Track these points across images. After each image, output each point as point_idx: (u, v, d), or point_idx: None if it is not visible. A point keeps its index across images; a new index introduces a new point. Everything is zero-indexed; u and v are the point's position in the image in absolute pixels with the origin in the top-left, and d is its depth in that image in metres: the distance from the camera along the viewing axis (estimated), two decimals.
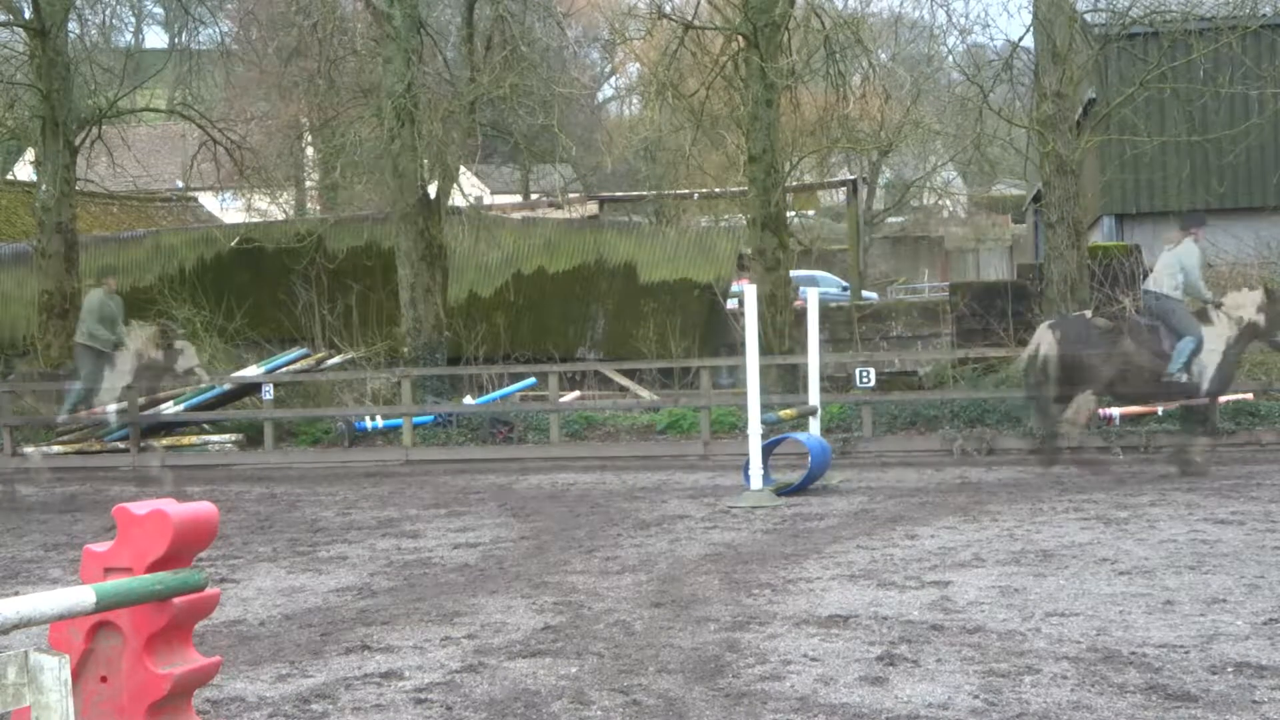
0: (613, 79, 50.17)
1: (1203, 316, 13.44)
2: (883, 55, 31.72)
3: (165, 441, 19.71)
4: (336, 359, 21.18)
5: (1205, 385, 13.35)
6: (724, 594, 8.00)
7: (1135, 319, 13.88)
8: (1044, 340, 13.78)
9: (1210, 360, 13.29)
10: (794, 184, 27.88)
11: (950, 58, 31.54)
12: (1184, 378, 13.21)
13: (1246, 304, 13.44)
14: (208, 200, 36.83)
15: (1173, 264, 13.36)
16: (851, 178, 31.22)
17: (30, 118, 22.85)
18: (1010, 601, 7.46)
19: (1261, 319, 13.32)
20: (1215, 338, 13.31)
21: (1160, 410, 16.99)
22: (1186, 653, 6.19)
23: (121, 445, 19.30)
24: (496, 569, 9.26)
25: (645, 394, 20.41)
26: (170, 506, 4.24)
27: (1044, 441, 14.08)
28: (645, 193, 32.92)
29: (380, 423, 19.36)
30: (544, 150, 30.96)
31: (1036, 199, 30.32)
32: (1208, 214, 22.79)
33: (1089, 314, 14.28)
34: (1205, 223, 14.04)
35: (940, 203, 53.38)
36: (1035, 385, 14.01)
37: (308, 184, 34.91)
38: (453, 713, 5.66)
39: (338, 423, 19.59)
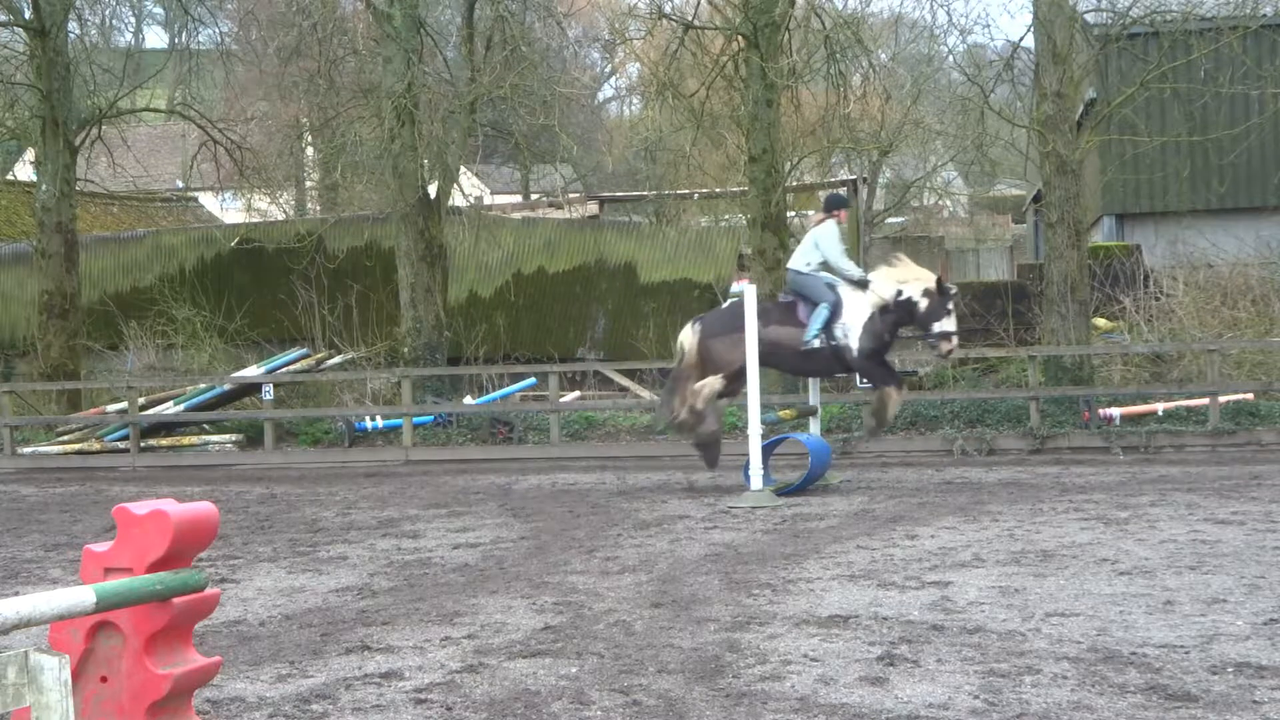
0: (613, 79, 50.17)
1: (857, 285, 13.28)
2: (883, 55, 31.68)
3: (165, 441, 19.73)
4: (336, 359, 21.19)
5: (855, 345, 13.09)
6: (724, 594, 8.00)
7: (768, 303, 14.00)
8: (686, 336, 13.81)
9: (854, 321, 13.10)
10: (794, 184, 27.84)
11: (950, 58, 31.56)
12: (818, 343, 13.06)
13: (910, 280, 13.23)
14: (208, 200, 36.83)
15: (809, 242, 13.44)
16: (851, 178, 31.20)
17: (30, 118, 22.86)
18: (1010, 601, 7.46)
19: (924, 303, 13.10)
20: (858, 302, 13.13)
21: (1160, 410, 17.02)
22: (1187, 653, 6.19)
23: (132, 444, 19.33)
24: (496, 569, 9.26)
25: (645, 394, 20.41)
26: (170, 506, 4.24)
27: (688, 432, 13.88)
28: (645, 193, 32.91)
29: (380, 423, 19.36)
30: (544, 150, 30.98)
31: (1037, 199, 30.32)
32: (1208, 214, 22.94)
33: (725, 304, 14.41)
34: (848, 204, 14.00)
35: (940, 203, 53.35)
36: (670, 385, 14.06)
37: (308, 184, 34.91)
38: (453, 713, 5.66)
39: (338, 423, 19.59)
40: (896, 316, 13.25)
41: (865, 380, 13.98)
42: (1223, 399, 16.57)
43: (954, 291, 13.41)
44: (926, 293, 13.11)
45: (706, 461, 13.80)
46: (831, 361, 13.33)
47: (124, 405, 19.80)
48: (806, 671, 6.08)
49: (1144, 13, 18.91)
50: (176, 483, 16.22)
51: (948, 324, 13.17)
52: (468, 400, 20.06)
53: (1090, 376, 17.70)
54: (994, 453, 16.32)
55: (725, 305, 14.51)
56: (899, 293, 13.11)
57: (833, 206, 13.67)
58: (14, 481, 17.64)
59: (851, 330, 13.08)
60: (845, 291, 13.16)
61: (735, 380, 13.39)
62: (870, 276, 13.32)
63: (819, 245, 13.28)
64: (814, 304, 13.21)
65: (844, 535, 10.22)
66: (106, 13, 31.42)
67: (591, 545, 10.15)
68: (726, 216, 32.75)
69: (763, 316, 13.22)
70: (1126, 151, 21.62)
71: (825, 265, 13.32)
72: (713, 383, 13.38)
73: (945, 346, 13.28)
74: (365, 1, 21.71)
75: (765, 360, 13.35)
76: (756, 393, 12.78)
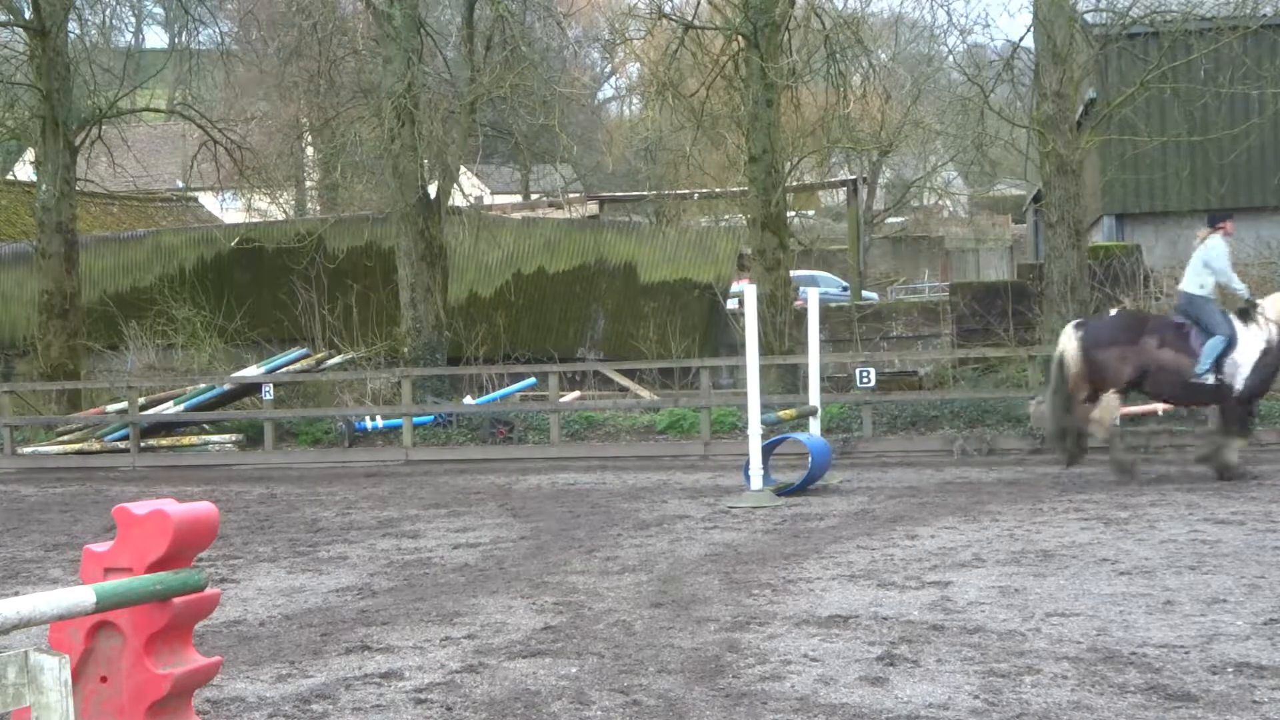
0: (613, 79, 50.19)
1: (1243, 315, 12.80)
2: (883, 55, 31.71)
3: (165, 441, 19.73)
4: (336, 359, 21.19)
5: (1239, 385, 12.62)
6: (724, 594, 8.00)
7: (1162, 318, 13.33)
8: (1067, 341, 13.17)
9: (1245, 359, 12.57)
10: (794, 184, 27.85)
11: (950, 58, 31.57)
12: (1211, 378, 12.55)
13: None
14: (208, 200, 36.85)
15: (1197, 262, 12.87)
16: (851, 178, 31.23)
17: (30, 118, 22.87)
18: (1010, 601, 7.46)
19: None
20: (1252, 337, 12.64)
21: (1160, 410, 17.00)
22: (1186, 653, 6.19)
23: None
24: (496, 569, 9.26)
25: (645, 394, 20.41)
26: (170, 506, 4.24)
27: (1063, 442, 13.25)
28: (645, 193, 32.92)
29: (380, 423, 19.37)
30: (544, 150, 30.99)
31: (1037, 199, 30.32)
32: (1207, 214, 22.90)
33: (1113, 312, 13.78)
34: (1232, 216, 13.38)
35: (940, 203, 53.39)
36: (1055, 388, 13.33)
37: (308, 184, 34.92)
38: (453, 713, 5.66)
39: (338, 423, 19.60)
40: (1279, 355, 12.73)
41: (1224, 419, 12.93)
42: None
43: None
44: None
45: (1065, 458, 13.20)
46: (1212, 396, 12.85)
47: (124, 405, 19.80)
48: (806, 671, 6.08)
49: (1144, 13, 18.91)
50: (176, 483, 16.22)
51: None
52: (468, 400, 20.06)
53: None
54: (994, 453, 16.31)
55: (1112, 314, 13.64)
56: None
57: (1218, 221, 13.08)
58: (14, 481, 17.64)
59: (1241, 369, 12.59)
60: (1239, 325, 12.67)
61: (1124, 394, 13.09)
62: (1260, 303, 12.83)
63: (1209, 264, 12.76)
64: (1208, 333, 12.66)
65: (844, 535, 10.21)
66: (106, 13, 31.36)
67: (591, 545, 10.15)
68: (726, 216, 32.77)
69: (1155, 333, 12.82)
70: (1126, 151, 21.61)
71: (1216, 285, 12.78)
72: (1112, 404, 12.97)
73: None
74: (365, 1, 21.72)
75: (1143, 380, 12.96)
76: (756, 393, 12.78)
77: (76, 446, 19.83)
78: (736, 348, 20.58)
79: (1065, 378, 13.01)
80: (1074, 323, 13.57)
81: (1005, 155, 29.83)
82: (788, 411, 14.33)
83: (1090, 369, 12.86)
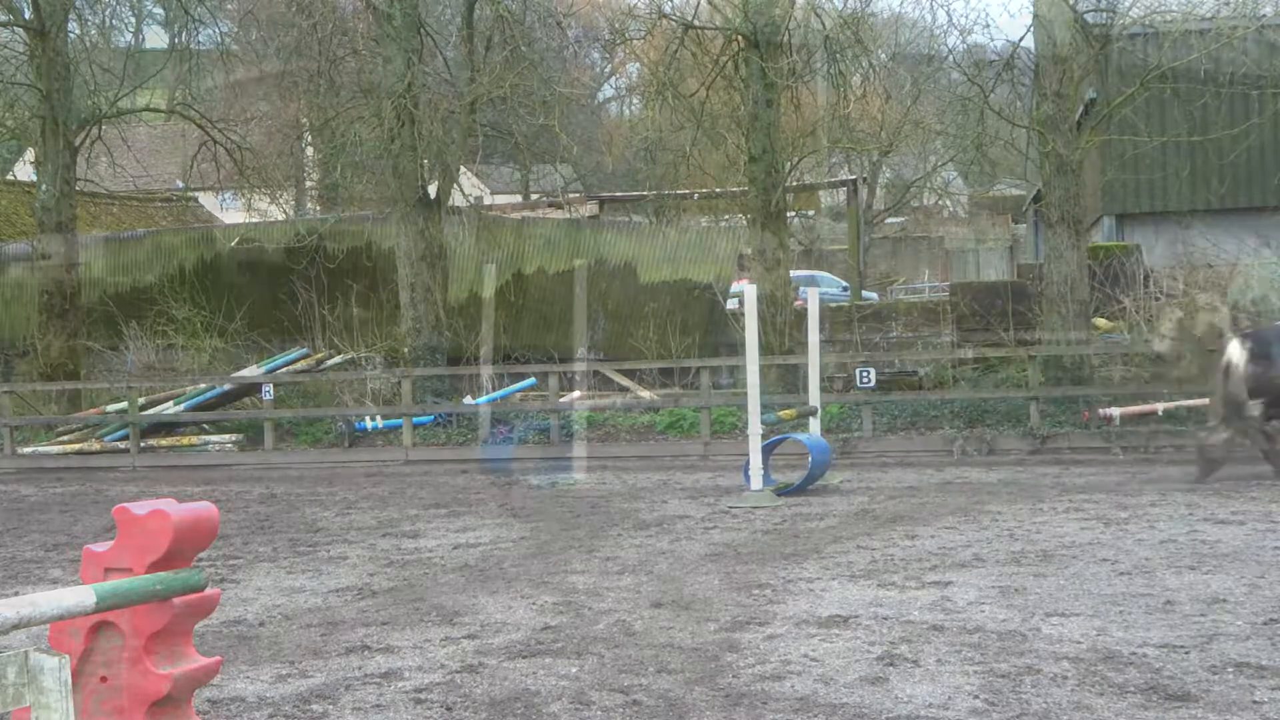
0: (613, 79, 50.17)
1: None
2: (883, 55, 31.68)
3: (165, 441, 19.72)
4: (336, 359, 21.19)
5: None
6: (724, 594, 8.00)
7: None
8: (1234, 353, 12.88)
9: None
10: (794, 184, 27.83)
11: (950, 58, 31.52)
12: None
13: None
14: (208, 200, 36.84)
15: None
16: (851, 178, 31.20)
17: (30, 118, 22.86)
18: (1010, 601, 7.46)
19: None
20: None
21: (1160, 410, 17.00)
22: (1186, 653, 6.19)
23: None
24: (496, 569, 9.26)
25: (645, 394, 20.41)
26: (170, 506, 4.24)
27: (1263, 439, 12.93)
28: (645, 193, 32.89)
29: (380, 423, 19.37)
30: (544, 150, 30.94)
31: (1036, 199, 30.30)
32: (1207, 214, 22.93)
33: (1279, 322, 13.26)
34: None
35: (940, 203, 53.35)
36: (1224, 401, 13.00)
37: (308, 184, 34.91)
38: (453, 713, 5.66)
39: (338, 423, 19.60)
40: None
41: None
42: None
43: None
44: None
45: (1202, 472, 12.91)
46: None
47: (124, 405, 19.80)
48: (806, 671, 6.08)
49: (1144, 13, 18.91)
50: (176, 483, 16.21)
51: None
52: (468, 400, 20.06)
53: (1090, 376, 17.70)
54: (994, 453, 16.32)
55: (1278, 324, 13.26)
56: None
57: None
58: (14, 481, 17.64)
59: None
60: None
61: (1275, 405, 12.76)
62: None
63: None
64: None
65: (844, 535, 10.21)
66: (106, 13, 31.40)
67: (591, 545, 10.15)
68: (726, 216, 32.76)
69: None
70: (1126, 151, 21.61)
71: None
72: None
73: None
74: (365, 1, 21.71)
75: None
76: (756, 393, 12.78)
77: (76, 446, 19.83)
78: (736, 348, 20.56)
79: (1232, 389, 12.79)
80: (1240, 334, 13.32)
81: (1005, 155, 29.81)
82: (788, 411, 14.33)
83: (1250, 377, 12.66)
